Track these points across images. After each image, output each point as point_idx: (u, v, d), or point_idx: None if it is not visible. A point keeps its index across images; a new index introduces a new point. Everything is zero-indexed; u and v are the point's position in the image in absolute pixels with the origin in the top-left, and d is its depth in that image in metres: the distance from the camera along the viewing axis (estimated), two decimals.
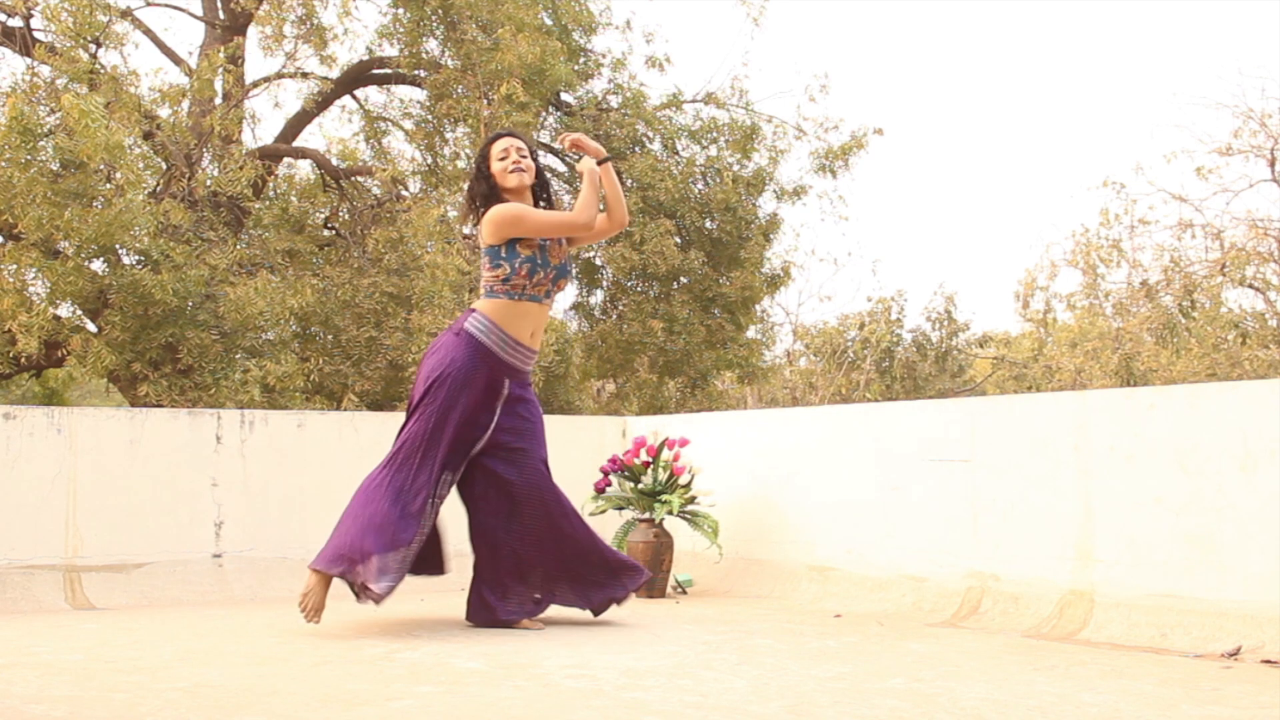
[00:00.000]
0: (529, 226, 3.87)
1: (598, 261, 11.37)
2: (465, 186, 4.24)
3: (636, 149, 11.21)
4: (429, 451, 3.84)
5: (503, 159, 3.98)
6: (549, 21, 10.76)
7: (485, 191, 4.01)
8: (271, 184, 11.35)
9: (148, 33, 10.69)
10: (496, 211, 3.87)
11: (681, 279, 11.15)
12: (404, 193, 10.95)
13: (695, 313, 11.06)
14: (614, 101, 11.56)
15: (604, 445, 5.91)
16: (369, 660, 3.26)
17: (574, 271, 4.08)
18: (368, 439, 5.39)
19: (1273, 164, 12.68)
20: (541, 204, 4.09)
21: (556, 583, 4.02)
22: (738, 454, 5.43)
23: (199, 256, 9.01)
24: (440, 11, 10.22)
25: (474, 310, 3.94)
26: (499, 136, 4.07)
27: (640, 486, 5.16)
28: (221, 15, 10.72)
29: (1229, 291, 13.00)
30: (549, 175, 4.27)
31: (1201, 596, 3.58)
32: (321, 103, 11.17)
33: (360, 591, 3.73)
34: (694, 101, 11.93)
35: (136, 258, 8.91)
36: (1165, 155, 16.54)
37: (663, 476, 5.14)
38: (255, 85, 10.76)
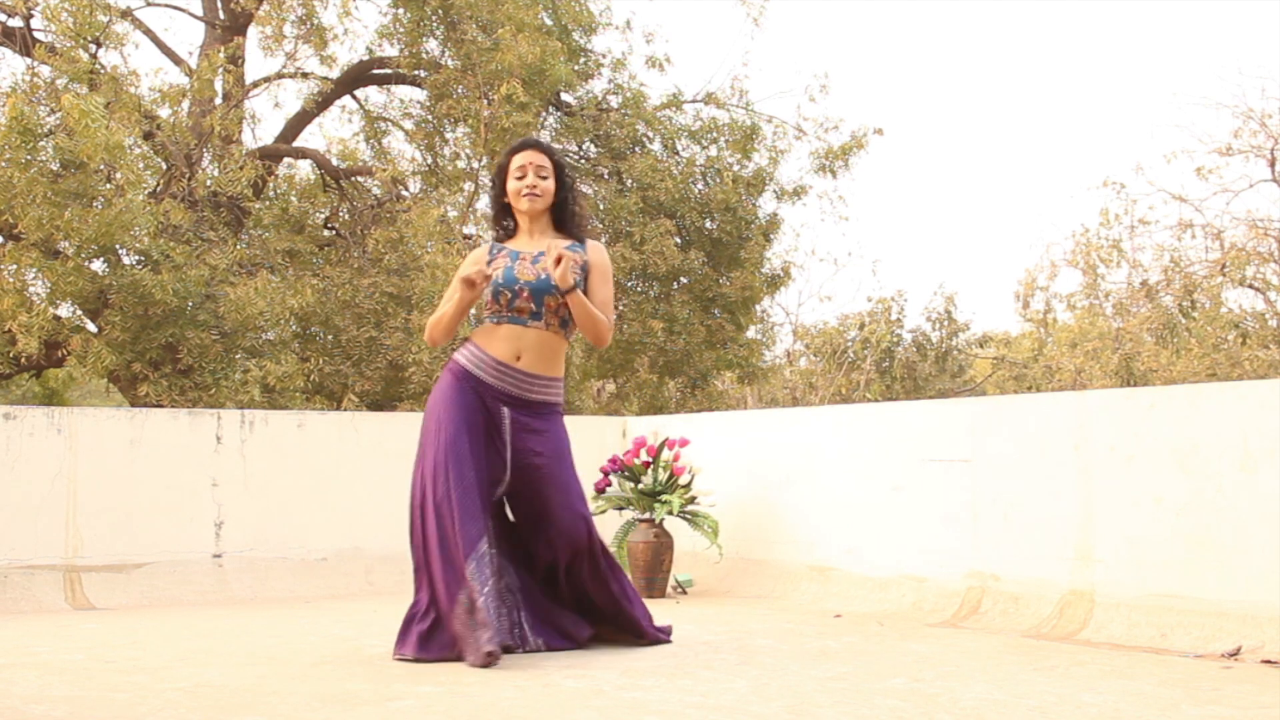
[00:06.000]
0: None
1: None
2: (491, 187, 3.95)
3: (636, 149, 11.20)
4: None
5: (520, 178, 3.59)
6: (549, 21, 10.75)
7: (498, 210, 3.69)
8: (271, 184, 11.35)
9: (148, 33, 10.68)
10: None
11: (681, 279, 11.15)
12: (404, 193, 10.95)
13: (695, 313, 11.05)
14: (614, 101, 11.55)
15: (604, 445, 5.90)
16: (369, 660, 3.26)
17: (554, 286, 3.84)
18: (368, 439, 5.40)
19: (1273, 164, 12.68)
20: (557, 232, 3.68)
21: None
22: (738, 454, 5.42)
23: (199, 256, 9.01)
24: (440, 11, 10.21)
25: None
26: (521, 148, 3.65)
27: (640, 486, 5.16)
28: (221, 15, 10.71)
29: (1229, 291, 13.00)
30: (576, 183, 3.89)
31: (1201, 596, 3.58)
32: (321, 103, 11.16)
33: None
34: (694, 101, 11.92)
35: (136, 258, 8.92)
36: (1165, 155, 16.54)
37: (663, 476, 5.14)
38: (255, 85, 10.76)
